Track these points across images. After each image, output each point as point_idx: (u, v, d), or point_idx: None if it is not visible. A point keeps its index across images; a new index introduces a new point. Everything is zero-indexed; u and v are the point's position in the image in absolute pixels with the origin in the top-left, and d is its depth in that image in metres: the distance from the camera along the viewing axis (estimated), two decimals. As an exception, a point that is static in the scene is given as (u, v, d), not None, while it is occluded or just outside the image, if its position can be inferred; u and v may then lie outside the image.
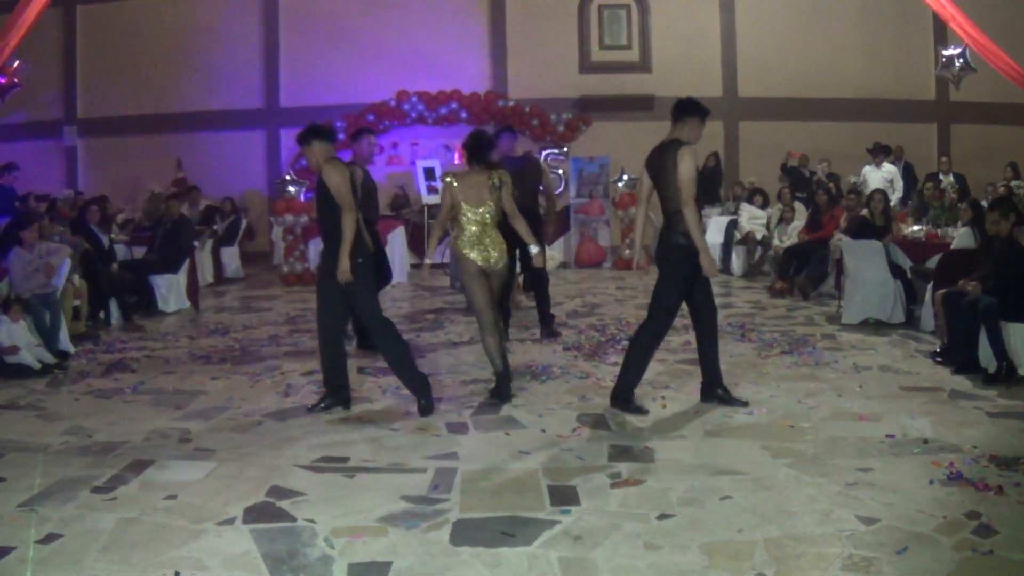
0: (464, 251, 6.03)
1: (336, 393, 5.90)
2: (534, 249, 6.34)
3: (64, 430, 5.53)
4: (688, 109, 5.60)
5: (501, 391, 6.09)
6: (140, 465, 4.80)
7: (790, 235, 11.71)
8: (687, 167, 5.44)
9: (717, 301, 5.97)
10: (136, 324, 9.43)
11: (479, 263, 6.00)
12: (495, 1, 16.16)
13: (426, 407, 5.76)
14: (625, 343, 6.47)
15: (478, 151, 6.17)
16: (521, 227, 6.24)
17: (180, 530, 3.93)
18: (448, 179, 6.09)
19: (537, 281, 8.32)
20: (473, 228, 6.00)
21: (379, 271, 7.75)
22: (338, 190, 5.61)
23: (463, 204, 6.01)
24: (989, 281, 6.66)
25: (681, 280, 5.60)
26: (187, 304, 10.44)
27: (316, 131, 5.83)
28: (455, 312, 9.76)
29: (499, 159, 7.94)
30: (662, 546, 3.70)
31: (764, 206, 13.08)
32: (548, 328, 8.20)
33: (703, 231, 5.88)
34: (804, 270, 10.62)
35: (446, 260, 10.92)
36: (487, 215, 6.01)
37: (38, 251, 7.95)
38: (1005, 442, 4.99)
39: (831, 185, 12.95)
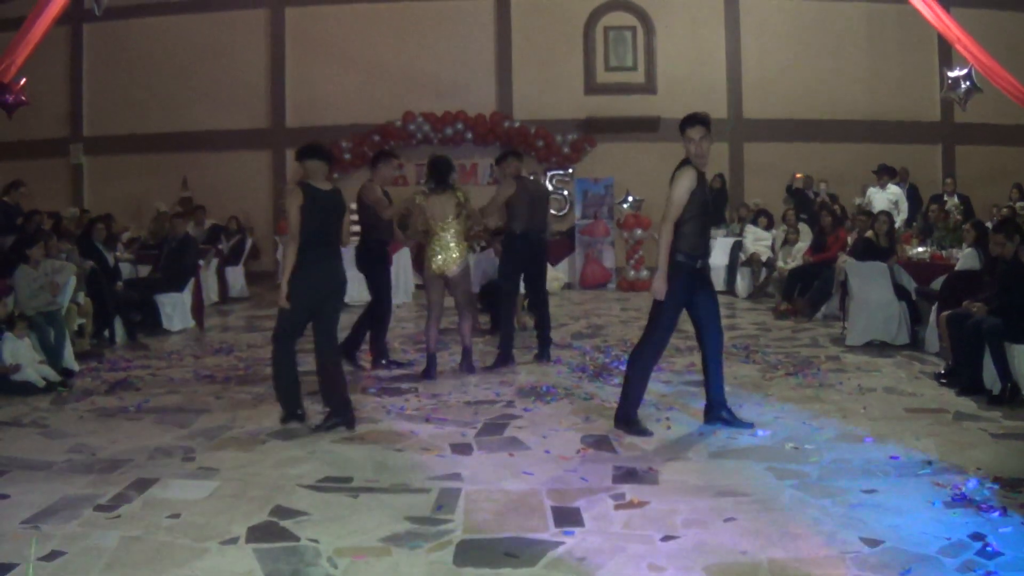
0: (428, 257, 7.17)
1: (340, 413, 5.89)
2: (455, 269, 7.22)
3: (68, 448, 5.53)
4: (680, 127, 5.65)
5: (428, 371, 7.39)
6: (144, 483, 4.79)
7: (795, 256, 11.73)
8: (677, 186, 5.51)
9: (722, 322, 5.97)
10: (140, 343, 9.46)
11: (435, 270, 7.16)
12: (501, 22, 16.26)
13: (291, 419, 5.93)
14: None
15: (441, 174, 7.21)
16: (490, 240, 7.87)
17: (183, 549, 3.92)
18: (418, 200, 7.24)
19: (538, 303, 8.32)
20: (439, 240, 7.13)
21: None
22: (288, 216, 5.74)
23: (430, 221, 7.15)
24: (994, 302, 6.65)
25: (679, 294, 5.59)
26: (192, 323, 10.47)
27: (302, 151, 5.96)
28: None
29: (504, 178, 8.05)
30: (666, 568, 3.68)
31: (769, 227, 13.10)
32: (544, 351, 8.17)
33: (708, 253, 5.90)
34: (808, 291, 10.62)
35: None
36: (451, 229, 7.14)
37: (44, 269, 7.98)
38: (1009, 463, 4.98)
39: (836, 206, 12.96)
